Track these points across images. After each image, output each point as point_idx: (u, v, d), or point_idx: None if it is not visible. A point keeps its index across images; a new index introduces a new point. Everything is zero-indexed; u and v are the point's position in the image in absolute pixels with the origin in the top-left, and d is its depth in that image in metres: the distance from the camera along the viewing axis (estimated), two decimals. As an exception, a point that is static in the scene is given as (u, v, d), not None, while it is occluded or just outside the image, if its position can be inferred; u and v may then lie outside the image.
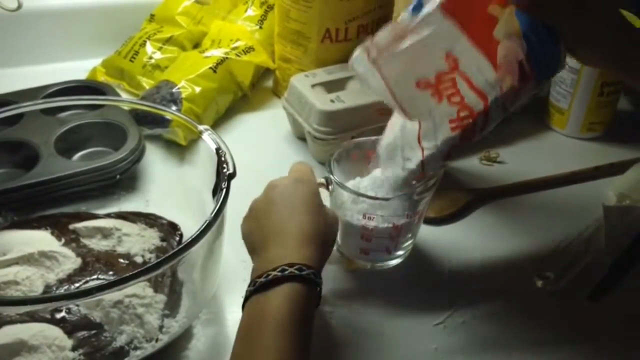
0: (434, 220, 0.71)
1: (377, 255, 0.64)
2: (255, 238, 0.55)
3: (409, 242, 0.65)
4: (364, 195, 0.60)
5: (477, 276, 0.66)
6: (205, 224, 0.51)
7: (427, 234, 0.68)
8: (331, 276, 0.63)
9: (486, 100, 0.53)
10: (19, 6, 0.86)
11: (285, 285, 0.49)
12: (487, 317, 0.61)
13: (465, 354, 0.58)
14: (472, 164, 0.80)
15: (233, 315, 0.60)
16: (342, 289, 0.63)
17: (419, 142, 0.57)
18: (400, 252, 0.65)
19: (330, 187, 0.61)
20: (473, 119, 0.54)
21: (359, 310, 0.61)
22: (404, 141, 0.58)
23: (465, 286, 0.64)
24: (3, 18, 0.89)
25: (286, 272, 0.49)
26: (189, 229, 0.63)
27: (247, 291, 0.51)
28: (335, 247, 0.64)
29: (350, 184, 0.63)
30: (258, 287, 0.50)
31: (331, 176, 0.61)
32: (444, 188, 0.74)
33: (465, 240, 0.69)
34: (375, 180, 0.63)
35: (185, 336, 0.57)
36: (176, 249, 0.50)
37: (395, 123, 0.60)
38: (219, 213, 0.53)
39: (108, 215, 0.67)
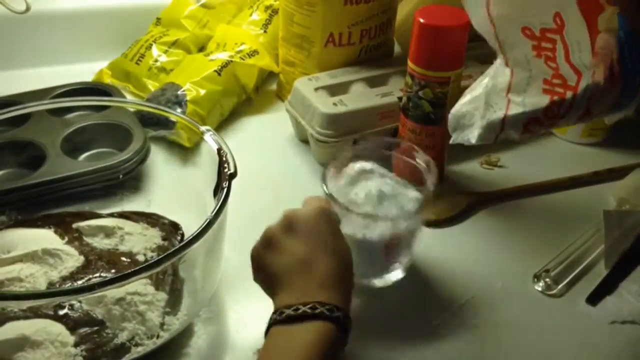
0: (434, 223, 0.71)
1: (393, 271, 0.63)
2: (276, 271, 0.52)
3: (409, 256, 0.64)
4: (385, 218, 0.58)
5: (476, 279, 0.66)
6: (206, 223, 0.52)
7: (427, 236, 0.69)
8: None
9: (580, 77, 0.51)
10: (28, 8, 0.87)
11: (313, 322, 0.48)
12: (486, 320, 0.62)
13: (462, 356, 0.59)
14: (473, 168, 0.81)
15: (234, 314, 0.61)
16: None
17: (507, 93, 0.54)
18: (398, 268, 0.64)
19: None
20: (564, 91, 0.51)
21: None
22: (491, 91, 0.55)
23: (463, 288, 0.65)
24: (12, 20, 0.90)
25: (317, 311, 0.48)
26: (190, 229, 0.63)
27: (271, 318, 0.49)
28: None
29: (346, 200, 0.61)
30: (284, 319, 0.48)
31: (338, 203, 0.58)
32: (445, 191, 0.75)
33: (465, 243, 0.70)
34: (379, 193, 0.61)
35: (186, 333, 0.58)
36: (177, 247, 0.51)
37: (471, 91, 0.58)
38: (219, 212, 0.53)
39: (111, 215, 0.68)
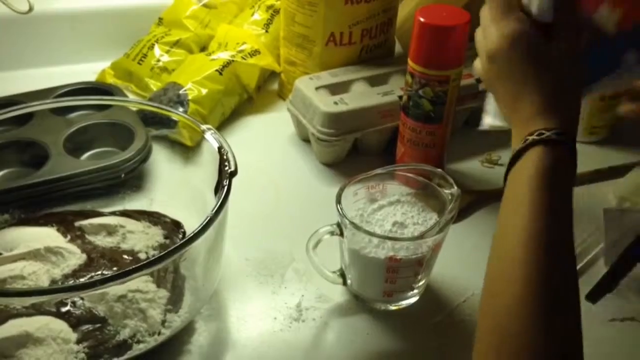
0: (434, 221, 0.71)
1: (399, 295, 0.62)
2: (507, 89, 0.53)
3: (427, 277, 0.63)
4: (394, 238, 0.58)
5: (477, 277, 0.66)
6: (207, 220, 0.52)
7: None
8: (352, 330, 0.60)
9: None
10: (30, 9, 0.88)
11: (530, 152, 0.48)
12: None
13: (464, 352, 0.59)
14: (473, 166, 0.81)
15: (234, 312, 0.61)
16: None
17: None
18: (416, 291, 0.63)
19: (344, 233, 0.58)
20: None
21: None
22: None
23: (464, 286, 0.65)
24: (14, 20, 0.91)
25: (543, 136, 0.48)
26: (191, 228, 0.64)
27: (508, 163, 0.50)
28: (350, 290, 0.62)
29: (358, 219, 0.61)
30: (515, 156, 0.49)
31: (347, 221, 0.57)
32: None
33: (465, 241, 0.70)
34: (388, 213, 0.62)
35: (187, 331, 0.58)
36: (178, 244, 0.51)
37: None
38: (220, 209, 0.54)
39: (113, 214, 0.68)
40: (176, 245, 0.51)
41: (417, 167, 0.64)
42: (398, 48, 0.92)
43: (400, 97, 0.76)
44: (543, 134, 0.48)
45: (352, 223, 0.57)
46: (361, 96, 0.79)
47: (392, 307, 0.62)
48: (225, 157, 0.59)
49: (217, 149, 0.61)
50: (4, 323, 0.53)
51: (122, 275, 0.49)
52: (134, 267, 0.49)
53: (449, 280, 0.65)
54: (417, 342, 0.60)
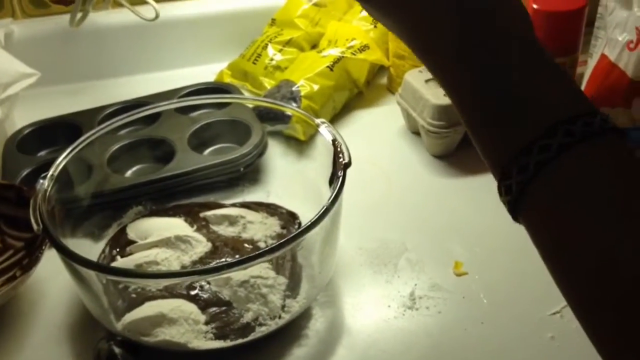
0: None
1: None
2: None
3: None
4: None
5: None
6: (323, 210, 0.55)
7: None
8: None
9: None
10: (157, 16, 0.94)
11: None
12: None
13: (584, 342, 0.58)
14: None
15: (349, 299, 0.63)
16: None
17: None
18: None
19: None
20: None
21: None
22: None
23: None
24: (143, 27, 0.98)
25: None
26: (306, 219, 0.66)
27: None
28: None
29: None
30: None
31: None
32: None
33: None
34: None
35: (305, 316, 0.61)
36: (297, 232, 0.54)
37: None
38: (335, 199, 0.56)
39: (233, 205, 0.72)
40: (295, 233, 0.54)
41: None
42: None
43: (513, 87, 0.75)
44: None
45: None
46: (472, 87, 0.79)
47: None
48: (339, 149, 0.61)
49: (331, 142, 0.63)
50: (142, 305, 0.58)
51: (245, 260, 0.52)
52: (256, 253, 0.52)
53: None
54: (530, 332, 0.59)
